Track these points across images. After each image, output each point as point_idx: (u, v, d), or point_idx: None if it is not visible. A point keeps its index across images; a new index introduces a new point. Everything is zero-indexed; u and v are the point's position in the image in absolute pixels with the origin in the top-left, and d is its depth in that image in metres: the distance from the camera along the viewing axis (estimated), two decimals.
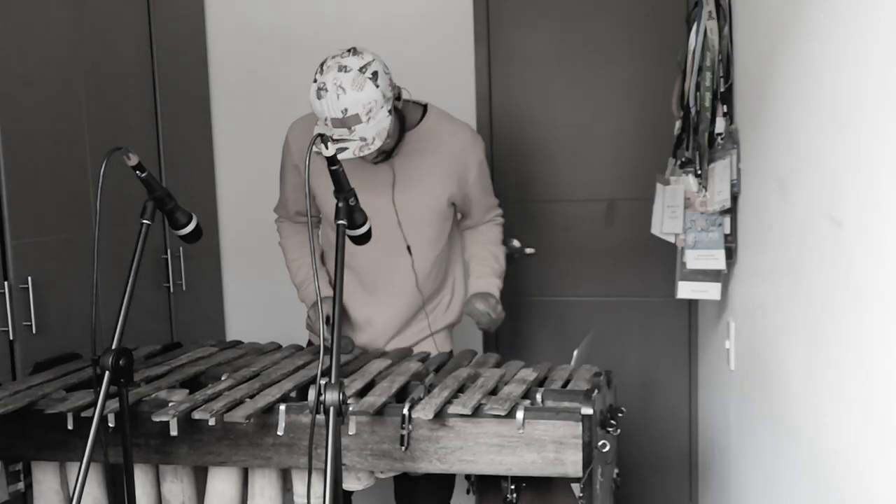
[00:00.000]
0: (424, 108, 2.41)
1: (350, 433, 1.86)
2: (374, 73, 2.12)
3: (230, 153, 3.60)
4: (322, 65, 2.14)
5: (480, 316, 2.43)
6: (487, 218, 2.58)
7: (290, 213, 2.57)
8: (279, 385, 2.00)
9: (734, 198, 2.32)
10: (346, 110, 2.09)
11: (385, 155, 2.31)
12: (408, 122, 2.35)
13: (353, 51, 2.16)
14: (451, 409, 1.83)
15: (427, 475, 1.95)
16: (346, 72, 2.10)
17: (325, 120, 2.14)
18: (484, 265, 2.53)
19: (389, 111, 2.16)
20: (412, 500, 2.46)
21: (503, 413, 1.80)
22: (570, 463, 1.81)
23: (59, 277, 2.52)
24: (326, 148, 1.63)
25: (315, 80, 2.13)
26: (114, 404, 1.85)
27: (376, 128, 2.13)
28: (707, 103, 2.37)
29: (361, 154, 2.14)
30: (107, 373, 1.65)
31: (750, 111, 2.18)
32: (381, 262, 2.42)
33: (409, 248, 2.41)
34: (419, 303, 2.49)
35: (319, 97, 2.11)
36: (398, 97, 2.25)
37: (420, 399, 1.90)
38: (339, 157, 2.09)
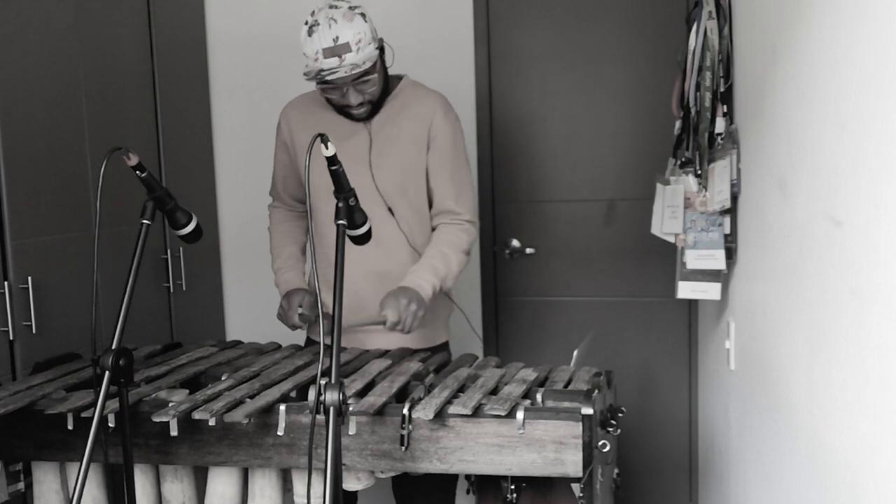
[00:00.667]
0: (401, 78, 2.47)
1: (350, 433, 1.86)
2: (363, 14, 2.25)
3: (230, 153, 3.60)
4: (313, 11, 2.25)
5: (389, 313, 2.22)
6: (450, 208, 2.40)
7: (282, 197, 2.61)
8: (279, 385, 2.00)
9: (734, 198, 2.32)
10: (337, 38, 2.18)
11: (370, 108, 2.36)
12: (387, 90, 2.41)
13: None
14: (452, 409, 1.83)
15: (426, 475, 1.95)
16: (336, 9, 2.22)
17: (316, 54, 2.19)
18: (425, 261, 2.34)
19: (377, 49, 2.27)
20: (413, 501, 2.47)
21: (503, 413, 1.80)
22: (570, 463, 1.81)
23: (59, 277, 2.52)
24: (326, 148, 1.63)
25: (306, 23, 2.23)
26: (114, 404, 1.85)
27: (365, 57, 2.22)
28: (707, 103, 2.37)
29: (353, 72, 2.21)
30: (107, 373, 1.65)
31: (750, 111, 2.18)
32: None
33: (390, 209, 2.39)
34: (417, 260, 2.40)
35: (311, 33, 2.20)
36: (382, 49, 2.33)
37: (420, 399, 1.90)
38: (330, 78, 2.20)
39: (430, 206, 2.46)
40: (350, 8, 2.23)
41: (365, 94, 2.30)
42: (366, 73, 2.24)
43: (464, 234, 2.42)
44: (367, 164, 2.38)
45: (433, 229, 2.47)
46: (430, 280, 2.31)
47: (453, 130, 2.42)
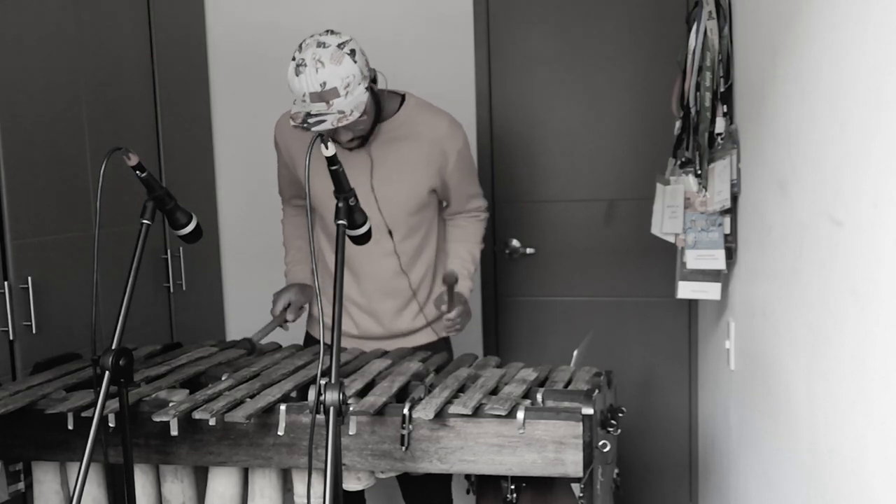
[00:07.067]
0: (402, 97, 2.42)
1: (350, 433, 1.86)
2: (353, 51, 2.15)
3: (230, 153, 3.60)
4: (301, 44, 2.17)
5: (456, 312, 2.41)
6: (469, 208, 2.56)
7: (289, 202, 2.67)
8: (279, 385, 2.00)
9: (734, 198, 2.32)
10: (324, 83, 2.12)
11: (361, 140, 2.33)
12: (385, 112, 2.37)
13: (331, 31, 2.19)
14: (452, 409, 1.83)
15: (427, 473, 1.95)
16: (324, 48, 2.13)
17: (304, 96, 2.15)
18: (461, 266, 2.52)
19: (366, 88, 2.20)
20: (418, 499, 2.48)
21: (504, 413, 1.80)
22: (570, 463, 1.81)
23: (59, 277, 2.52)
24: (326, 148, 1.64)
25: (293, 59, 2.16)
26: (114, 404, 1.85)
27: (354, 102, 2.15)
28: (707, 103, 2.37)
29: (340, 124, 2.16)
30: (107, 373, 1.65)
31: (750, 111, 2.19)
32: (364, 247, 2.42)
33: (389, 231, 2.42)
34: (407, 287, 2.49)
35: (298, 73, 2.14)
36: (374, 80, 2.27)
37: (420, 399, 1.90)
38: (317, 128, 2.14)
39: (445, 206, 2.56)
40: (339, 46, 2.14)
41: (355, 130, 2.27)
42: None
43: (482, 225, 2.62)
44: (370, 185, 2.37)
45: (453, 217, 2.57)
46: (469, 285, 2.52)
47: (464, 144, 2.46)
